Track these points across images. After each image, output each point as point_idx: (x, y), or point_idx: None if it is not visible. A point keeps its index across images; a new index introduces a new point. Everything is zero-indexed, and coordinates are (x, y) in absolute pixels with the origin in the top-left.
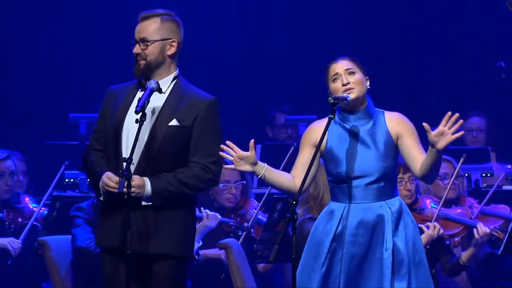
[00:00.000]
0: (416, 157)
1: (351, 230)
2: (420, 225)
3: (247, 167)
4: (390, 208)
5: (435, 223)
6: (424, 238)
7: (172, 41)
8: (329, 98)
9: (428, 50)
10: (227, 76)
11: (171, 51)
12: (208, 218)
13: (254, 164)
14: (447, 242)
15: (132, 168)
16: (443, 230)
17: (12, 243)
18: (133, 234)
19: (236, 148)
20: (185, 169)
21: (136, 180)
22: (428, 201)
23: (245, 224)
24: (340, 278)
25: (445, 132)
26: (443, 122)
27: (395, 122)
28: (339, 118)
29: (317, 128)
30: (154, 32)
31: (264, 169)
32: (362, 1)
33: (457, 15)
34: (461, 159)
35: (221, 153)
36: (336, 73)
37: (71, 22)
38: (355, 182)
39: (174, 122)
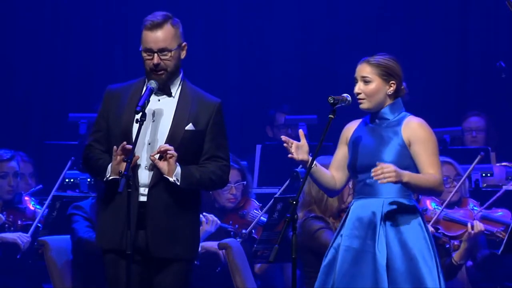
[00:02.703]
0: (419, 166)
1: (349, 224)
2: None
3: (305, 156)
4: (387, 206)
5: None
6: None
7: (184, 45)
8: (329, 98)
9: (428, 50)
10: (227, 76)
11: (183, 54)
12: (208, 223)
13: (308, 153)
14: (447, 246)
15: (147, 172)
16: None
17: (21, 237)
18: (153, 238)
19: (291, 140)
20: (204, 166)
21: (166, 146)
22: (428, 202)
23: (243, 231)
24: (336, 270)
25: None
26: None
27: (408, 127)
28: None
29: (349, 128)
30: (173, 40)
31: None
32: (361, 1)
33: (457, 14)
34: (478, 157)
35: (285, 144)
36: (355, 77)
37: (71, 22)
38: (360, 177)
39: (190, 127)
